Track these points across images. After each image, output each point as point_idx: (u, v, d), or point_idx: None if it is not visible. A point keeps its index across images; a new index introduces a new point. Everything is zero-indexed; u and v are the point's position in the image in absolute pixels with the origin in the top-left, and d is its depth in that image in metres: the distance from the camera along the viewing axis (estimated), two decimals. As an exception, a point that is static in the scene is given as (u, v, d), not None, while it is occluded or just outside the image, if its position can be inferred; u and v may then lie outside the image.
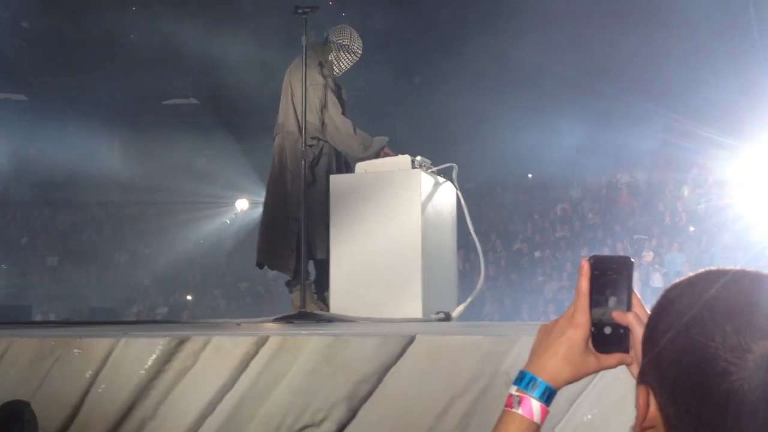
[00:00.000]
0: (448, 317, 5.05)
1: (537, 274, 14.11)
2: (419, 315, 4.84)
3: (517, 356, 2.87)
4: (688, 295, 0.93)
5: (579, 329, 1.18)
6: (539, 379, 1.19)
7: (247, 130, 18.05)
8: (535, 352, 1.22)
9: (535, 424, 1.18)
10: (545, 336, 1.22)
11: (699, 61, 14.30)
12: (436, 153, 5.64)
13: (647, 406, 0.94)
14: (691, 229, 13.45)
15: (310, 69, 5.30)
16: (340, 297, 5.04)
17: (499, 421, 1.20)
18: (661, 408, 0.91)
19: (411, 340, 2.96)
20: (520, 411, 1.18)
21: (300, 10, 5.12)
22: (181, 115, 20.43)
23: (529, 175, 17.54)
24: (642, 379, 0.96)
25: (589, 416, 2.70)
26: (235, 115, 18.96)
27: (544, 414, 1.19)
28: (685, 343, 0.88)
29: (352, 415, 2.94)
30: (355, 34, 5.67)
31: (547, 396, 1.19)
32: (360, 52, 5.67)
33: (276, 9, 16.83)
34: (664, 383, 0.90)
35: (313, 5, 5.20)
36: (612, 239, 13.72)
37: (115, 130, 19.31)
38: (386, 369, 2.95)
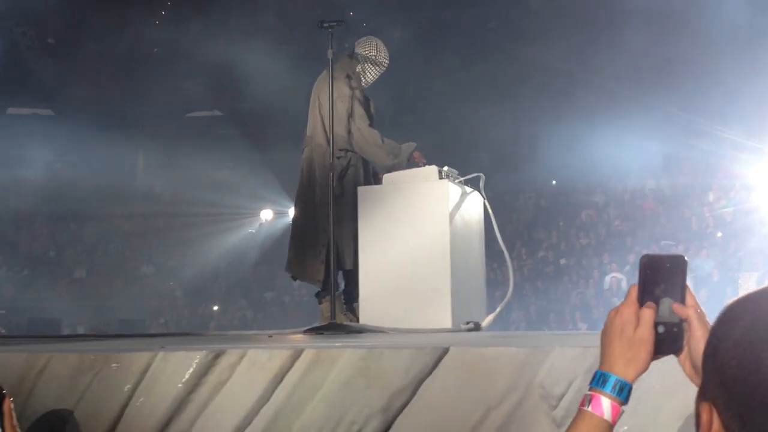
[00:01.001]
0: (477, 327, 5.06)
1: (563, 281, 14.04)
2: (449, 325, 4.85)
3: (551, 368, 2.87)
4: (752, 312, 0.93)
5: (628, 321, 1.20)
6: (608, 374, 1.22)
7: (270, 142, 18.17)
8: (602, 351, 1.25)
9: (605, 421, 1.21)
10: (606, 333, 1.25)
11: (722, 63, 14.18)
12: (460, 162, 5.65)
13: (710, 423, 0.94)
14: (719, 234, 13.32)
15: (337, 81, 5.35)
16: (370, 308, 5.07)
17: (573, 420, 1.23)
18: (726, 425, 0.91)
19: (445, 352, 2.97)
20: (589, 408, 1.21)
21: (326, 24, 5.17)
22: (204, 127, 20.59)
23: (553, 182, 17.46)
24: (705, 395, 0.96)
25: (626, 428, 2.70)
26: (257, 127, 19.09)
27: (616, 411, 1.21)
28: (752, 361, 0.88)
29: (386, 427, 2.96)
30: (381, 45, 5.72)
31: (619, 389, 1.21)
32: (387, 62, 5.71)
33: (299, 21, 16.95)
34: (730, 401, 0.90)
35: (338, 19, 5.26)
36: (639, 246, 13.62)
37: (140, 142, 19.50)
38: (420, 381, 2.96)
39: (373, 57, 5.66)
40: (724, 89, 13.73)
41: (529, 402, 2.86)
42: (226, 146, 19.30)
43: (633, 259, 12.68)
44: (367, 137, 5.40)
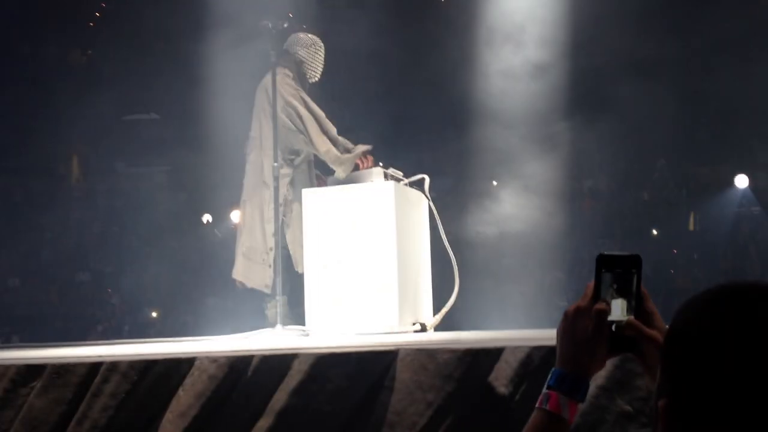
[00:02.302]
0: (424, 328, 5.07)
1: (506, 281, 14.17)
2: (396, 327, 4.85)
3: (501, 367, 2.89)
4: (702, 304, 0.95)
5: (584, 320, 1.21)
6: (565, 372, 1.22)
7: (209, 145, 17.85)
8: (558, 349, 1.25)
9: (563, 419, 1.20)
10: (561, 331, 1.25)
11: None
12: (405, 164, 5.67)
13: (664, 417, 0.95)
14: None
15: (283, 83, 5.31)
16: (316, 311, 5.03)
17: (530, 419, 1.23)
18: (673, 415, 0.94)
19: (395, 354, 2.97)
20: (547, 407, 1.21)
21: (270, 25, 5.13)
22: (141, 131, 20.19)
23: (494, 183, 17.62)
24: (660, 391, 0.97)
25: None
26: (196, 130, 18.77)
27: (573, 409, 1.21)
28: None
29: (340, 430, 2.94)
30: (307, 36, 5.72)
31: (576, 387, 1.21)
32: (321, 47, 5.70)
33: (238, 23, 16.72)
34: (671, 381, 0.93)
35: (281, 20, 5.22)
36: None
37: (74, 146, 19.02)
38: (370, 384, 2.95)
39: (308, 49, 5.65)
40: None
41: (480, 402, 2.87)
42: (163, 150, 18.95)
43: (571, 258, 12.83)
44: (315, 142, 5.33)
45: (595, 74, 6.81)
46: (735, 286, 0.95)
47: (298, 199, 5.33)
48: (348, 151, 5.32)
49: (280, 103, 5.25)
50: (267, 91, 5.39)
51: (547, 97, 6.99)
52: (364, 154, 5.32)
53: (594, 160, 6.88)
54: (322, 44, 5.78)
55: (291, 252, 5.40)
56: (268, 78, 5.40)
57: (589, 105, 6.95)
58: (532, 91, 6.97)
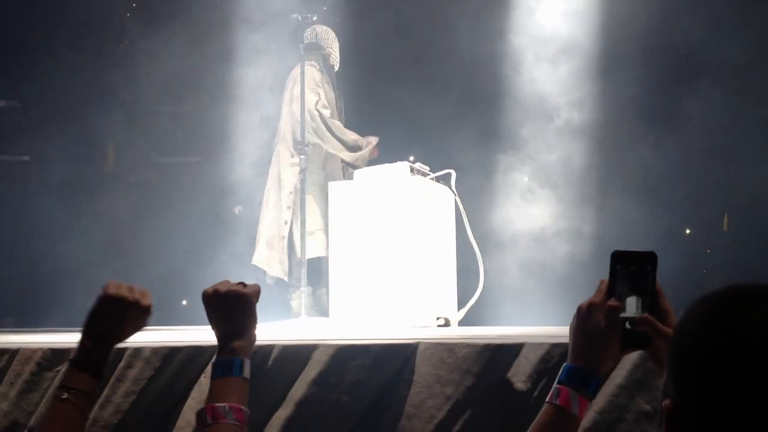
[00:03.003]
0: (447, 323, 5.08)
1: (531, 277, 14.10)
2: (419, 321, 4.86)
3: (520, 363, 2.89)
4: (709, 303, 0.94)
5: (597, 316, 1.21)
6: (576, 368, 1.22)
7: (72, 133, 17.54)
8: (571, 345, 1.26)
9: (573, 415, 1.21)
10: (574, 328, 1.25)
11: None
12: (433, 159, 5.68)
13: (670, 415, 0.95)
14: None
15: (308, 77, 5.41)
16: (340, 303, 5.06)
17: (540, 414, 1.24)
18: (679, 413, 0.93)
19: (415, 347, 2.98)
20: (558, 402, 1.21)
21: (300, 18, 5.24)
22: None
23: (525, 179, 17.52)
24: (666, 390, 0.97)
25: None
26: (61, 118, 18.43)
27: (583, 405, 1.21)
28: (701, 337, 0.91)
29: (357, 422, 2.96)
30: (324, 27, 5.88)
31: (587, 384, 1.21)
32: (333, 35, 5.86)
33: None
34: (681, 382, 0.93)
35: (311, 14, 5.32)
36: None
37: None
38: (390, 377, 2.96)
39: (324, 39, 5.81)
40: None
41: (498, 397, 2.87)
42: (24, 137, 18.65)
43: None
44: (332, 133, 5.48)
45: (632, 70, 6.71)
46: (742, 288, 0.95)
47: (309, 188, 5.47)
48: (358, 145, 5.47)
49: (305, 90, 5.41)
50: (293, 83, 5.50)
51: (582, 90, 6.92)
52: (374, 147, 5.52)
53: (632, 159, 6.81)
54: (329, 29, 5.98)
55: (294, 239, 5.56)
56: (296, 70, 5.47)
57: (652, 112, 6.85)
58: (571, 82, 6.90)
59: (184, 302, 7.66)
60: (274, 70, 6.06)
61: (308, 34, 5.80)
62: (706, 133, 6.96)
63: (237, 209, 7.10)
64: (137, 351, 3.03)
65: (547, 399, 1.24)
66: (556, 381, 1.25)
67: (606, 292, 1.23)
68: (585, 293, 1.30)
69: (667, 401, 0.94)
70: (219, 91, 6.92)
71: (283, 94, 5.74)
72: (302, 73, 5.33)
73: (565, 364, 1.25)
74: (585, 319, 1.24)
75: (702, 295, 0.97)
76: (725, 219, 7.66)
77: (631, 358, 2.67)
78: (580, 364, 1.23)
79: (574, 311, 1.27)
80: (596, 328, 1.22)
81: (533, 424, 1.26)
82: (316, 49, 5.73)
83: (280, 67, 5.95)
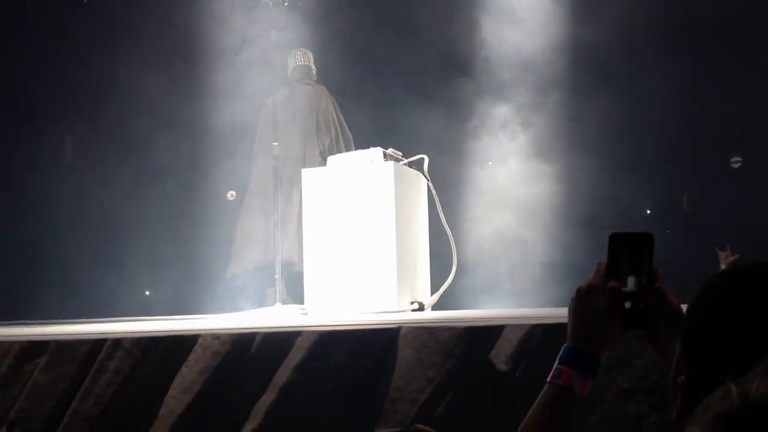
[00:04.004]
0: (421, 307, 5.11)
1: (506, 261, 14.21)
2: (394, 306, 4.88)
3: (501, 344, 2.92)
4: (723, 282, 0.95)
5: (596, 297, 1.23)
6: (577, 348, 1.25)
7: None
8: (570, 326, 1.27)
9: (575, 395, 1.22)
10: (573, 308, 1.27)
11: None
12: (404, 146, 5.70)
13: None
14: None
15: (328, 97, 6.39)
16: (315, 291, 5.06)
17: (541, 394, 1.25)
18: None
19: (397, 332, 3.00)
20: (560, 383, 1.23)
21: (271, 3, 5.31)
22: None
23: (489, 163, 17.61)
24: (677, 369, 0.98)
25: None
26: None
27: (584, 385, 1.23)
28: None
29: (339, 409, 2.97)
30: (304, 51, 6.49)
31: (588, 363, 1.24)
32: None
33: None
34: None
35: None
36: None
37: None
38: (374, 361, 2.98)
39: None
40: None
41: (481, 379, 2.90)
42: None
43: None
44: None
45: (595, 49, 6.76)
46: (760, 266, 0.95)
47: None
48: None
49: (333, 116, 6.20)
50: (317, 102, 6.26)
51: (551, 71, 6.98)
52: None
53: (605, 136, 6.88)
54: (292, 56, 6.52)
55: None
56: (311, 91, 6.31)
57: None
58: (536, 65, 6.97)
59: (147, 293, 7.62)
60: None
61: (302, 57, 6.43)
62: (667, 112, 7.07)
63: (230, 194, 7.13)
64: (117, 342, 3.01)
65: (548, 379, 1.26)
66: (556, 362, 1.26)
67: (605, 273, 1.25)
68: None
69: (682, 377, 0.95)
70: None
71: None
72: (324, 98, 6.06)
73: (565, 344, 1.27)
74: (585, 301, 1.26)
75: (714, 273, 0.99)
76: (685, 199, 7.79)
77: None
78: (580, 345, 1.25)
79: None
80: (596, 310, 1.24)
81: (535, 405, 1.27)
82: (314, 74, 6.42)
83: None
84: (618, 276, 1.24)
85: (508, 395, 2.83)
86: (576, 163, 7.09)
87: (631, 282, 1.24)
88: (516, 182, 7.01)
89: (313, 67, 6.49)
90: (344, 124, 6.41)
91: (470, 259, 6.61)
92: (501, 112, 7.15)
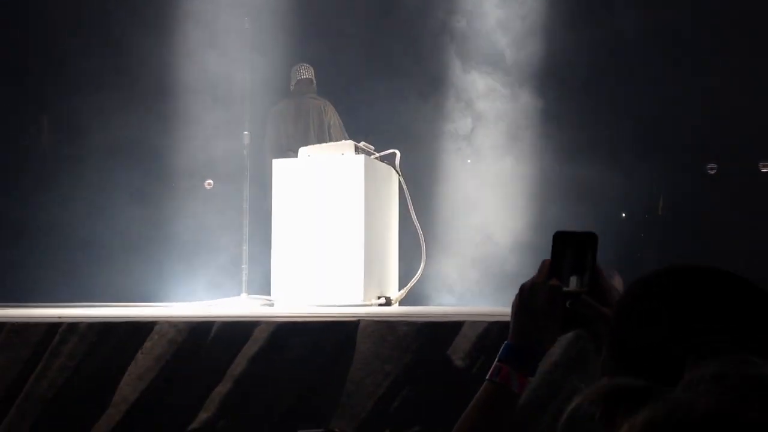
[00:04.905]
0: (388, 302, 5.11)
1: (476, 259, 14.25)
2: (360, 300, 4.87)
3: (460, 340, 2.93)
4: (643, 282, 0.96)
5: (538, 295, 1.23)
6: (516, 346, 1.24)
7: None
8: (512, 324, 1.27)
9: (513, 392, 1.22)
10: (516, 306, 1.26)
11: None
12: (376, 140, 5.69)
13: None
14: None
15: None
16: (282, 281, 5.04)
17: (480, 391, 1.24)
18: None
19: (356, 325, 2.99)
20: (497, 380, 1.22)
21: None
22: None
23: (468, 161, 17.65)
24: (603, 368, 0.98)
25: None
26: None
27: (523, 383, 1.22)
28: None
29: (297, 400, 2.96)
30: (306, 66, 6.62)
31: (527, 362, 1.23)
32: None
33: None
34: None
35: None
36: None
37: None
38: (332, 353, 2.97)
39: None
40: None
41: (438, 373, 2.91)
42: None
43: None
44: None
45: (564, 54, 6.79)
46: (678, 268, 0.96)
47: None
48: None
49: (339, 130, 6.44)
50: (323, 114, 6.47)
51: (521, 72, 7.00)
52: None
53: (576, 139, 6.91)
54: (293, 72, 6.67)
55: None
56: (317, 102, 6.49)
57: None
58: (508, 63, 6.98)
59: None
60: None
61: (305, 71, 6.55)
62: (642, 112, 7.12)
63: (207, 183, 7.10)
64: (73, 326, 2.98)
65: (487, 377, 1.26)
66: (496, 359, 1.26)
67: (548, 272, 1.25)
68: (518, 278, 1.32)
69: (606, 378, 0.95)
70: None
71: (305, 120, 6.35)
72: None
73: (505, 342, 1.27)
74: (527, 299, 1.25)
75: (640, 275, 0.99)
76: (660, 203, 7.84)
77: (566, 337, 2.73)
78: (520, 343, 1.25)
79: (511, 293, 1.28)
80: (537, 308, 1.23)
81: (473, 401, 1.27)
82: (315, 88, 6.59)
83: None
84: (560, 275, 1.23)
85: (464, 391, 2.83)
86: (551, 164, 7.12)
87: (573, 281, 1.23)
88: (490, 181, 7.03)
89: (314, 80, 6.64)
90: (347, 137, 6.46)
91: (442, 256, 6.61)
92: (480, 108, 7.16)
